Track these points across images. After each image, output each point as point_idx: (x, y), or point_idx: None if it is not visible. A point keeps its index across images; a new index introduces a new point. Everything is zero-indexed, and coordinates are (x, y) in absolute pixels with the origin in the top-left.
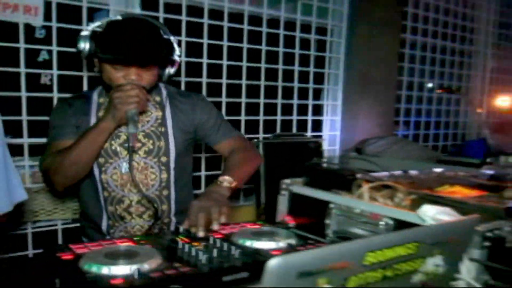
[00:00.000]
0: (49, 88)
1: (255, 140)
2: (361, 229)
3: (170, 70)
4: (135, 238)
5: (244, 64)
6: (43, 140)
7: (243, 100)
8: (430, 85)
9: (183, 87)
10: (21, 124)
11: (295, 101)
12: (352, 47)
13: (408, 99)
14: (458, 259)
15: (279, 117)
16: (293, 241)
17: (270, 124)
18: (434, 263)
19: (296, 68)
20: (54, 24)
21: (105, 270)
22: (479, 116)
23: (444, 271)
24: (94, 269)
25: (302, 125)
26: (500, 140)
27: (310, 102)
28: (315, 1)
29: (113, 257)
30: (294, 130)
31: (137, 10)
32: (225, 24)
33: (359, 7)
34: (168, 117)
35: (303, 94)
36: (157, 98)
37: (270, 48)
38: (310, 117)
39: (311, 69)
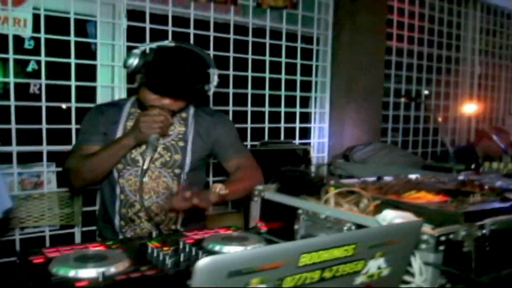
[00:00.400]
0: (38, 97)
1: None
2: (327, 233)
3: (202, 93)
4: (107, 243)
5: (231, 72)
6: (31, 148)
7: (230, 108)
8: (426, 92)
9: None
10: (10, 132)
11: (282, 109)
12: (338, 55)
13: (396, 106)
14: (404, 262)
15: (266, 125)
16: (262, 246)
17: (258, 132)
18: (377, 265)
19: (283, 76)
20: (42, 35)
21: (71, 273)
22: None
23: (390, 274)
24: (61, 272)
25: (290, 132)
26: (485, 147)
27: (298, 110)
28: (300, 10)
29: (81, 261)
30: (282, 137)
31: (123, 21)
32: (211, 33)
33: (343, 15)
34: (190, 133)
35: (290, 102)
36: (183, 115)
37: (256, 57)
38: (298, 125)
39: (298, 77)
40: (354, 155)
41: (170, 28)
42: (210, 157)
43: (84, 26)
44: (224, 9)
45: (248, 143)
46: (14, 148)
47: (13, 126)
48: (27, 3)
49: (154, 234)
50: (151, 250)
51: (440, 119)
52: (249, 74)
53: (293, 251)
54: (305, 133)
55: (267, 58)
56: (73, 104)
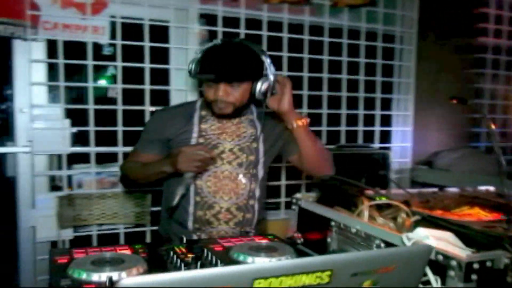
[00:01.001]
0: (116, 101)
1: None
2: (357, 249)
3: (262, 88)
4: (135, 246)
5: (306, 74)
6: (109, 149)
7: (305, 110)
8: None
9: None
10: (88, 134)
11: (361, 111)
12: (422, 54)
13: (492, 108)
14: None
15: (343, 128)
16: (289, 258)
17: (334, 135)
18: None
19: (362, 77)
20: (119, 41)
21: (83, 276)
22: None
23: None
24: (75, 274)
25: (369, 136)
26: None
27: (378, 112)
28: (381, 8)
29: (97, 264)
30: (360, 141)
31: (195, 26)
32: (285, 35)
33: (430, 12)
34: (260, 134)
35: (369, 104)
36: (250, 117)
37: (333, 57)
38: (377, 128)
39: (378, 78)
40: (438, 161)
41: (242, 30)
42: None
43: (160, 31)
44: (298, 10)
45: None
46: (92, 149)
47: (91, 128)
48: (105, 12)
49: (184, 240)
50: (172, 256)
51: None
52: (325, 75)
53: (245, 276)
54: (386, 137)
55: (345, 58)
56: (147, 108)
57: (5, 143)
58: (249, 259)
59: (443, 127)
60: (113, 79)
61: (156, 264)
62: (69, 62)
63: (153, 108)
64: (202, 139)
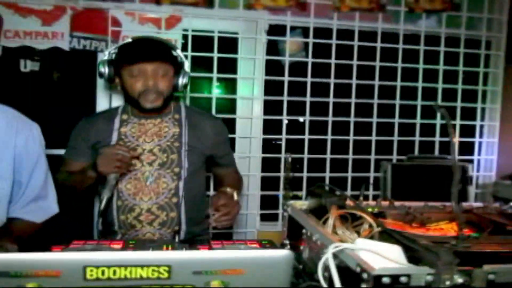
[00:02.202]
0: None
1: (384, 161)
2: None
3: (184, 80)
4: (130, 241)
5: (376, 82)
6: None
7: (374, 120)
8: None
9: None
10: None
11: (437, 121)
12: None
13: None
14: None
15: (417, 138)
16: None
17: (407, 145)
18: None
19: (440, 85)
20: (189, 53)
21: None
22: None
23: None
24: None
25: (448, 147)
26: None
27: (458, 122)
28: (464, 11)
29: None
30: (437, 152)
31: (263, 36)
32: (355, 43)
33: None
34: (184, 133)
35: (450, 113)
36: (176, 116)
37: (408, 65)
38: (457, 139)
39: (459, 86)
40: None
41: (311, 40)
42: (207, 156)
43: (230, 42)
44: (372, 17)
45: (394, 156)
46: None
47: None
48: (178, 26)
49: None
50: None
51: None
52: (398, 84)
53: (75, 263)
54: (468, 149)
55: (421, 66)
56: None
57: None
58: None
59: None
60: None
61: None
62: None
63: (219, 116)
64: (121, 143)
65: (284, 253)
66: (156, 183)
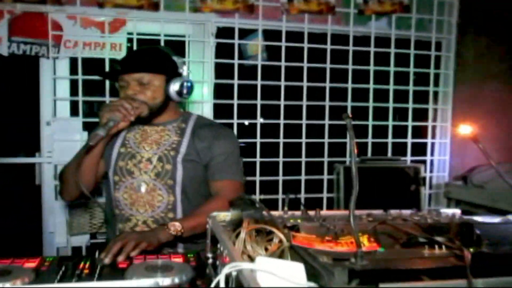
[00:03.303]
0: None
1: (337, 164)
2: None
3: (174, 87)
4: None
5: (328, 85)
6: None
7: (326, 122)
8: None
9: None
10: None
11: (390, 122)
12: (462, 61)
13: None
14: None
15: (370, 140)
16: (183, 276)
17: (360, 147)
18: None
19: (391, 87)
20: None
21: None
22: None
23: None
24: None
25: (401, 149)
26: None
27: (410, 123)
28: (413, 13)
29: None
30: (390, 154)
31: (211, 39)
32: (305, 45)
33: (469, 16)
34: (184, 143)
35: (401, 115)
36: (182, 125)
37: (359, 67)
38: (409, 140)
39: (410, 88)
40: (473, 177)
41: (260, 42)
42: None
43: (178, 46)
44: (322, 20)
45: (347, 158)
46: None
47: None
48: (123, 30)
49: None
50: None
51: None
52: (349, 85)
53: None
54: (421, 150)
55: (372, 67)
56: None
57: (35, 153)
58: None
59: (485, 140)
60: None
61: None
62: (87, 78)
63: None
64: (123, 149)
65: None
66: (151, 195)
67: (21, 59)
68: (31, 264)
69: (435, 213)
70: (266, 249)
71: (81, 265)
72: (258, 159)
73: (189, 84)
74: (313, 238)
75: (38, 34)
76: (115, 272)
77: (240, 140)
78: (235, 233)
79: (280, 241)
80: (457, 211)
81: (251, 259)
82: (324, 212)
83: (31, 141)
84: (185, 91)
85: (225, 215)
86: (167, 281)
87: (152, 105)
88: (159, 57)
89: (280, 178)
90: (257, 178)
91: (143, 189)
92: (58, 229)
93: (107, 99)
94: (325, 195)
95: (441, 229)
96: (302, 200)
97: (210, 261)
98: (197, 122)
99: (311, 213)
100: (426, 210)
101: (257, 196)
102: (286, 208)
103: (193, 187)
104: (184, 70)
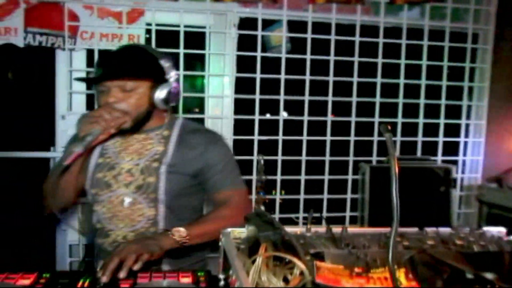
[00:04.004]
0: None
1: (362, 163)
2: None
3: (161, 94)
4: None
5: (355, 79)
6: None
7: (353, 119)
8: None
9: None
10: None
11: (420, 120)
12: (501, 54)
13: None
14: None
15: (398, 138)
16: None
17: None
18: None
19: (423, 82)
20: None
21: None
22: None
23: None
24: None
25: (431, 148)
26: None
27: (442, 121)
28: (449, 2)
29: None
30: (419, 153)
31: (233, 30)
32: (332, 37)
33: (510, 7)
34: (169, 153)
35: (432, 111)
36: (165, 133)
37: (388, 60)
38: (441, 139)
39: (444, 83)
40: (510, 179)
41: (284, 34)
42: (199, 182)
43: (198, 37)
44: (351, 10)
45: (374, 158)
46: None
47: None
48: (141, 20)
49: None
50: None
51: None
52: (378, 80)
53: None
54: (453, 149)
55: (403, 61)
56: (180, 115)
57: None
58: None
59: None
60: None
61: None
62: None
63: (186, 116)
64: (101, 159)
65: None
66: (131, 209)
67: (36, 51)
68: (25, 281)
69: (479, 234)
70: (285, 279)
71: (80, 283)
72: (279, 157)
73: (176, 91)
74: (340, 270)
75: (54, 25)
76: None
77: (261, 137)
78: (251, 259)
79: (302, 273)
80: (503, 230)
81: None
82: (352, 229)
83: (46, 136)
84: (173, 98)
85: (240, 232)
86: None
87: (135, 114)
88: (145, 60)
89: (302, 177)
90: (278, 177)
91: (124, 203)
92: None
93: None
94: (349, 196)
95: (490, 259)
96: (325, 202)
97: (221, 283)
98: (184, 128)
99: (337, 230)
100: (468, 230)
101: (277, 196)
102: (309, 226)
103: (178, 201)
104: (171, 76)
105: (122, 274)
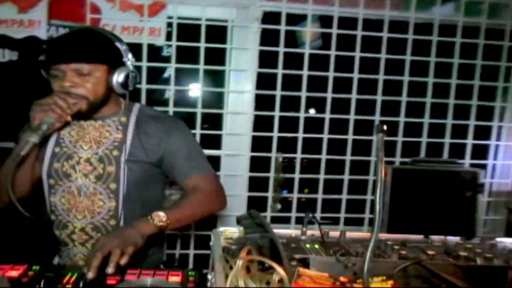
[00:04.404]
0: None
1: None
2: None
3: (119, 78)
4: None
5: (381, 77)
6: None
7: (377, 118)
8: None
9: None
10: None
11: (449, 121)
12: None
13: None
14: None
15: (424, 139)
16: None
17: (413, 147)
18: None
19: (453, 81)
20: (173, 43)
21: None
22: None
23: None
24: None
25: (459, 151)
26: None
27: (472, 122)
28: None
29: None
30: (446, 155)
31: (255, 25)
32: (359, 33)
33: None
34: (128, 141)
35: (462, 112)
36: (123, 119)
37: (417, 57)
38: (470, 141)
39: (476, 82)
40: None
41: (308, 29)
42: (161, 171)
43: (220, 31)
44: (379, 4)
45: (397, 159)
46: None
47: None
48: (162, 13)
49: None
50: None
51: None
52: (405, 78)
53: None
54: (482, 152)
55: (433, 59)
56: (199, 110)
57: None
58: None
59: None
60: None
61: None
62: None
63: (205, 111)
64: (58, 148)
65: None
66: (91, 200)
67: None
68: (14, 272)
69: (490, 245)
70: (268, 284)
71: (66, 278)
72: (298, 155)
73: (134, 74)
74: (324, 278)
75: (77, 18)
76: None
77: (281, 134)
78: (229, 264)
79: (281, 280)
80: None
81: None
82: (353, 234)
83: None
84: (131, 82)
85: (232, 232)
86: None
87: (93, 99)
88: (101, 43)
89: (322, 176)
90: (297, 175)
91: (83, 193)
92: None
93: (143, 86)
94: (369, 197)
95: (492, 275)
96: (344, 202)
97: (209, 283)
98: (140, 115)
99: (335, 234)
100: (478, 240)
101: (295, 194)
102: (305, 229)
103: (140, 191)
104: (128, 59)
105: (110, 270)
